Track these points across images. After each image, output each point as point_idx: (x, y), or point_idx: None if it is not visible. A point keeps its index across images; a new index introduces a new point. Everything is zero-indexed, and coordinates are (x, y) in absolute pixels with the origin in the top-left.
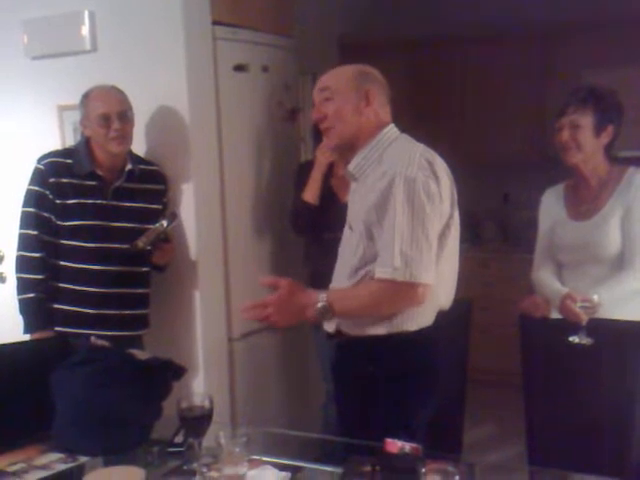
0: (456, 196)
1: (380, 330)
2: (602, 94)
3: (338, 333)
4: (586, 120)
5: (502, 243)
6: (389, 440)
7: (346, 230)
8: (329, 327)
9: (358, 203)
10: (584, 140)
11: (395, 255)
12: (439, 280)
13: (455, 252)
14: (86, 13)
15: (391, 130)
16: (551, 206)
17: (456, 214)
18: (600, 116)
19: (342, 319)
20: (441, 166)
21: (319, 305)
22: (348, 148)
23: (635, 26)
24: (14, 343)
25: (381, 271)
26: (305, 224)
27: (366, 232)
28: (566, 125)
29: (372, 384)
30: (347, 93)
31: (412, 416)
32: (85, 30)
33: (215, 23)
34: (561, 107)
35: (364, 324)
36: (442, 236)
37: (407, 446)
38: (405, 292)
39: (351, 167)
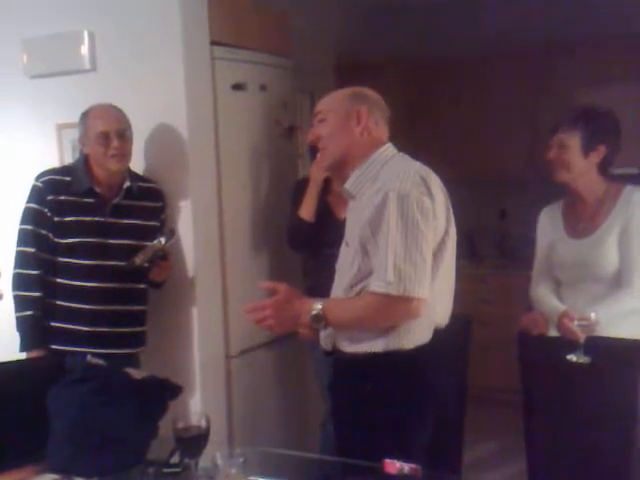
0: (452, 213)
1: (376, 347)
2: (594, 114)
3: (335, 351)
4: (574, 140)
5: (499, 259)
6: (388, 461)
7: (343, 246)
8: (326, 345)
9: (354, 220)
10: (571, 160)
11: (389, 269)
12: (435, 297)
13: (451, 268)
14: (85, 33)
15: (388, 149)
16: (549, 224)
17: (452, 231)
18: (589, 137)
19: (336, 329)
20: (436, 183)
21: (313, 312)
22: (342, 166)
23: (630, 44)
24: (9, 362)
25: (375, 285)
26: (301, 241)
27: (361, 248)
28: (555, 144)
29: (370, 402)
30: (338, 114)
31: (411, 435)
32: (84, 49)
33: (213, 43)
34: (553, 125)
35: (360, 341)
36: (438, 253)
37: (406, 467)
38: (399, 306)
39: (348, 185)
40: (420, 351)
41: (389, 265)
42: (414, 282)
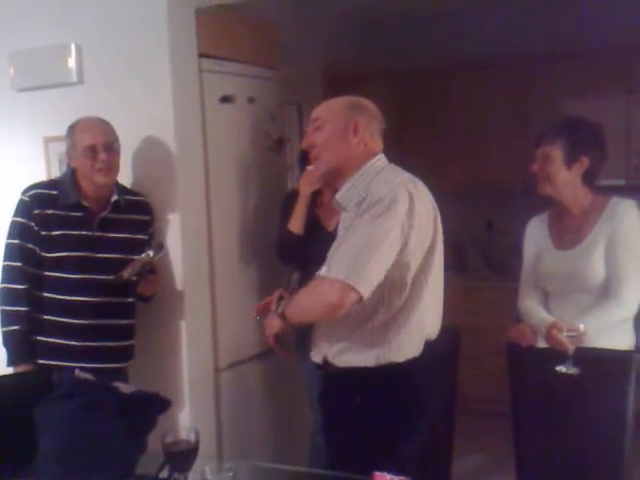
0: (440, 225)
1: (367, 361)
2: (576, 126)
3: (326, 364)
4: (556, 152)
5: (487, 271)
6: (378, 474)
7: None
8: (317, 358)
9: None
10: (554, 172)
11: (337, 256)
12: (425, 309)
13: (440, 281)
14: (72, 46)
15: (379, 160)
16: (536, 235)
17: (439, 243)
18: (571, 148)
19: (293, 322)
20: (422, 194)
21: (280, 305)
22: (335, 176)
23: (620, 56)
24: None
25: (321, 269)
26: (291, 254)
27: None
28: (539, 157)
29: (360, 415)
30: (336, 123)
31: (401, 447)
32: (71, 62)
33: (201, 56)
34: (537, 138)
35: (351, 355)
36: (425, 264)
37: (396, 479)
38: (327, 286)
39: (338, 197)
40: (410, 364)
41: (339, 253)
42: (355, 274)
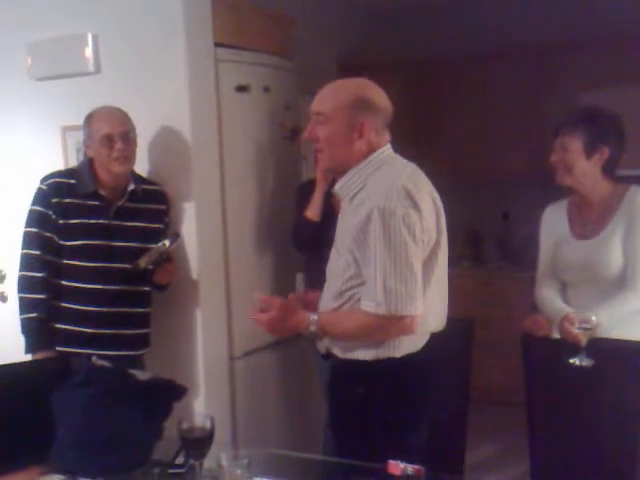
0: (444, 221)
1: (367, 355)
2: (595, 116)
3: (330, 354)
4: (575, 143)
5: (502, 261)
6: (391, 462)
7: (333, 251)
8: (322, 348)
9: (343, 226)
10: (573, 163)
11: (378, 289)
12: (428, 307)
13: (444, 278)
14: (89, 35)
15: (382, 153)
16: (554, 223)
17: (443, 240)
18: (591, 139)
19: (334, 341)
20: (424, 191)
21: (311, 329)
22: (339, 171)
23: (635, 45)
24: (15, 363)
25: (366, 304)
26: (307, 240)
27: (352, 259)
28: (557, 147)
29: (363, 405)
30: (340, 122)
31: (404, 437)
32: (88, 52)
33: (217, 45)
34: (555, 128)
35: (352, 349)
36: (429, 263)
37: (409, 468)
38: (392, 325)
39: (337, 187)
40: (411, 357)
41: (378, 284)
42: (405, 300)
